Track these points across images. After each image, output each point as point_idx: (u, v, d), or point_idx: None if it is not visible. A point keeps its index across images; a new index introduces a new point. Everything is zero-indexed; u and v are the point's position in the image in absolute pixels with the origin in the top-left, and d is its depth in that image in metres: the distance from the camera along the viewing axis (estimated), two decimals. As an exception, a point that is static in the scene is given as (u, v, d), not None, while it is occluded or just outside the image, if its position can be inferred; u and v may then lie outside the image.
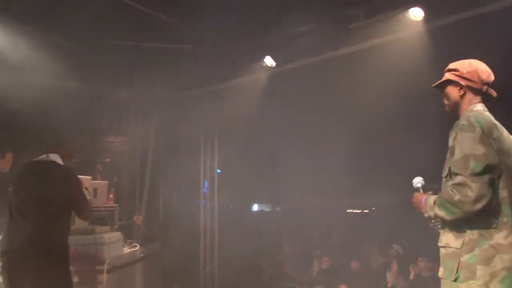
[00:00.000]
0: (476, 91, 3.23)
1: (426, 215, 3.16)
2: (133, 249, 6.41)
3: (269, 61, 7.92)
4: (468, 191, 2.90)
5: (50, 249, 4.21)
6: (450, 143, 3.09)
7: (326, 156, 8.88)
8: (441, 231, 3.17)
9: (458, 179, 2.96)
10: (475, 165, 2.93)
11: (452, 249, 3.05)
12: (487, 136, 3.00)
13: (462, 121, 3.09)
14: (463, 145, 3.00)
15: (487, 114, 3.17)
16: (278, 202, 11.57)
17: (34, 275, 4.13)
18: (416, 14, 6.34)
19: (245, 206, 11.68)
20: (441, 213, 3.03)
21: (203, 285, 9.27)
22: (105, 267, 5.12)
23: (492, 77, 3.26)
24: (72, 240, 5.15)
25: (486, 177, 2.92)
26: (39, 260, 4.15)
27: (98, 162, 9.19)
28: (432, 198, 3.13)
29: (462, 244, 2.99)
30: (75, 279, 4.98)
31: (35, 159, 4.63)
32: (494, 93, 3.25)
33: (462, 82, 3.24)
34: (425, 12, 6.30)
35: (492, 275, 2.89)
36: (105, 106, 8.76)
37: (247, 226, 9.84)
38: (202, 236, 9.57)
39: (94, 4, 6.53)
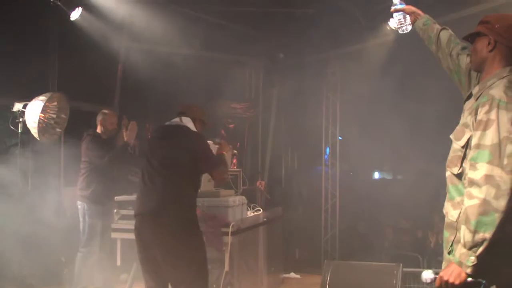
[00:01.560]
0: (507, 51, 2.75)
1: (471, 269, 2.51)
2: (256, 213, 6.52)
3: (393, 24, 7.65)
4: (502, 184, 2.44)
5: (178, 214, 4.27)
6: (482, 116, 2.57)
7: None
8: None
9: (485, 169, 2.49)
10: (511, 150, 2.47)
11: (449, 219, 2.77)
12: None
13: (499, 95, 2.58)
14: (501, 126, 2.51)
15: None
16: (400, 170, 11.29)
17: (162, 238, 4.23)
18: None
19: (367, 174, 11.52)
20: (480, 235, 2.47)
21: (324, 251, 9.29)
22: (230, 229, 5.23)
23: None
24: (198, 202, 5.33)
25: None
26: (168, 224, 4.23)
27: (222, 128, 9.43)
28: (457, 252, 2.57)
29: (458, 216, 2.69)
30: (202, 239, 5.15)
31: (167, 123, 4.65)
32: None
33: (493, 36, 2.76)
34: None
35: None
36: (229, 72, 8.92)
37: (368, 194, 9.70)
38: (324, 202, 9.57)
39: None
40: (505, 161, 2.47)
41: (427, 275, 2.69)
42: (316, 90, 9.52)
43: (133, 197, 5.87)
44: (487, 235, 2.47)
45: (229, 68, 8.99)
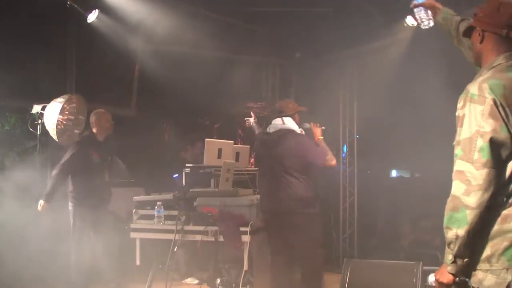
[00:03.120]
0: (496, 38, 2.56)
1: (450, 267, 2.52)
2: (274, 212, 6.50)
3: (410, 21, 7.59)
4: (472, 179, 2.36)
5: (294, 215, 5.04)
6: (458, 111, 2.49)
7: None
8: None
9: (457, 165, 2.43)
10: (482, 146, 2.36)
11: None
12: (502, 106, 2.37)
13: (472, 89, 2.46)
14: (471, 120, 2.41)
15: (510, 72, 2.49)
16: (418, 168, 11.22)
17: (284, 234, 5.17)
18: None
19: (384, 172, 11.46)
20: (452, 232, 2.47)
21: (342, 249, 9.26)
22: (249, 229, 5.23)
23: None
24: (216, 201, 5.37)
25: (494, 160, 2.36)
26: (289, 221, 5.07)
27: (238, 127, 9.43)
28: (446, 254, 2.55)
29: None
30: (220, 238, 5.17)
31: (272, 130, 5.24)
32: None
33: (479, 26, 2.61)
34: None
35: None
36: (245, 72, 8.92)
37: (386, 192, 9.65)
38: (342, 200, 9.54)
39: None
40: (476, 156, 2.37)
41: (431, 278, 2.69)
42: (333, 88, 9.47)
43: (151, 197, 5.90)
44: (460, 231, 2.44)
45: (246, 67, 8.98)
